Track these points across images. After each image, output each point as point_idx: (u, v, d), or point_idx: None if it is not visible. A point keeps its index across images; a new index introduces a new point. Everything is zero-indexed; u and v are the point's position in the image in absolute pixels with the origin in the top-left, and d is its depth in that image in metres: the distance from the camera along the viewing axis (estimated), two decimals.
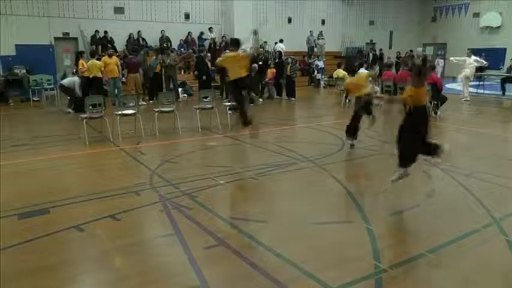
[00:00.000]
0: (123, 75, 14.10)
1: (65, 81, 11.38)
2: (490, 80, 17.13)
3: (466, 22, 24.76)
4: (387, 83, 11.63)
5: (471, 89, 13.72)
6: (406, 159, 4.58)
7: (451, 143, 7.73)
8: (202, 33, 18.05)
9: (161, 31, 16.96)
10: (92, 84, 11.39)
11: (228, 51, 8.33)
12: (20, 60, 14.29)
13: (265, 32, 19.64)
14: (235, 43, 7.17)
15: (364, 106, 6.72)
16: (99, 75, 11.62)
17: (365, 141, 7.53)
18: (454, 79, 14.86)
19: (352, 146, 6.99)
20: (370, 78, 7.54)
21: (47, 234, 3.72)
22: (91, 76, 11.47)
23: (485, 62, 14.13)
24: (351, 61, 17.80)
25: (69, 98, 11.36)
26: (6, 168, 5.80)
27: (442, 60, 21.38)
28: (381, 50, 22.49)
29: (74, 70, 11.78)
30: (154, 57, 13.74)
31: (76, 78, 11.38)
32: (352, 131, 6.96)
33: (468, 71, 13.34)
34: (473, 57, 13.53)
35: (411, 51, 21.92)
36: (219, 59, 7.17)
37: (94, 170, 6.00)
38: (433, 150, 4.59)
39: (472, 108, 12.29)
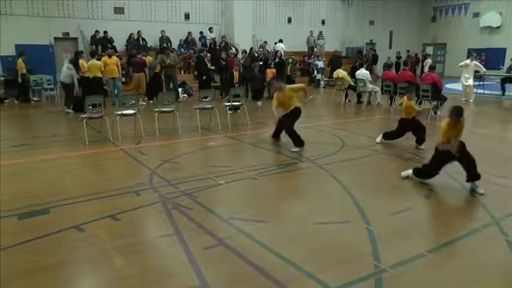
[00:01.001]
0: (123, 75, 14.12)
1: (63, 78, 11.16)
2: (490, 80, 17.13)
3: (466, 22, 24.77)
4: (387, 83, 11.62)
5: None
6: (423, 175, 5.16)
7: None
8: (201, 32, 18.07)
9: (161, 31, 16.97)
10: (91, 84, 11.37)
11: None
12: None
13: (265, 32, 19.72)
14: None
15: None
16: (99, 75, 11.61)
17: (365, 142, 7.54)
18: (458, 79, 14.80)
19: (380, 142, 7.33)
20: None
21: (47, 234, 3.72)
22: (91, 76, 11.45)
23: (484, 69, 14.12)
24: (337, 61, 17.64)
25: (67, 97, 11.29)
26: (6, 168, 5.80)
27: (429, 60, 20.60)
28: (375, 50, 22.36)
29: (69, 63, 11.51)
30: (153, 57, 13.76)
31: (73, 72, 11.13)
32: (392, 137, 7.23)
33: (471, 81, 13.37)
34: (475, 62, 13.51)
35: (408, 51, 21.95)
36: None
37: (94, 170, 6.00)
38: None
39: (472, 108, 12.30)
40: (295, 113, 7.02)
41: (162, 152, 6.96)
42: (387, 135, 7.26)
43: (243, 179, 5.37)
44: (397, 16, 25.31)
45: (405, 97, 7.00)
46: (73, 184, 5.26)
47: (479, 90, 15.19)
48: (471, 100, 13.39)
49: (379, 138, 7.33)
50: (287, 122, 6.93)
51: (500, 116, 11.52)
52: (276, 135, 7.47)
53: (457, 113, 4.68)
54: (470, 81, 13.46)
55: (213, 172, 5.60)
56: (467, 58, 14.18)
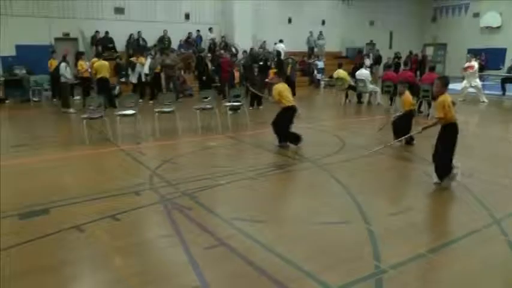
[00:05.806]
0: (123, 76, 14.14)
1: (65, 77, 11.26)
2: (490, 80, 17.12)
3: (466, 22, 24.75)
4: (387, 84, 11.62)
5: (471, 90, 13.64)
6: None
7: None
8: (199, 30, 18.06)
9: (164, 30, 16.95)
10: (99, 85, 11.34)
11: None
12: (20, 61, 14.28)
13: (265, 32, 19.70)
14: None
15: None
16: (107, 76, 11.56)
17: (365, 142, 7.54)
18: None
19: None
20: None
21: (47, 234, 3.72)
22: (98, 77, 11.39)
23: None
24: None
25: (65, 98, 11.30)
26: (7, 168, 5.79)
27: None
28: (378, 51, 22.26)
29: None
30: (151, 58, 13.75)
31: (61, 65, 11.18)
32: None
33: (478, 81, 13.28)
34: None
35: (411, 52, 21.93)
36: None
37: (94, 170, 6.01)
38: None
39: (472, 108, 12.29)
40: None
41: (162, 152, 6.96)
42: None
43: (243, 179, 5.37)
44: (397, 16, 25.26)
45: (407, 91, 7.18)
46: (73, 184, 5.26)
47: None
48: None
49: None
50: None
51: (500, 116, 11.51)
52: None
53: None
54: (478, 82, 13.33)
55: (213, 172, 5.60)
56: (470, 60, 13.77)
